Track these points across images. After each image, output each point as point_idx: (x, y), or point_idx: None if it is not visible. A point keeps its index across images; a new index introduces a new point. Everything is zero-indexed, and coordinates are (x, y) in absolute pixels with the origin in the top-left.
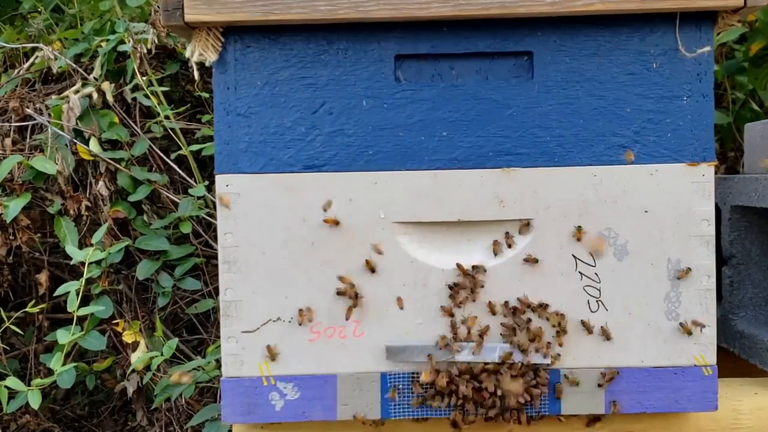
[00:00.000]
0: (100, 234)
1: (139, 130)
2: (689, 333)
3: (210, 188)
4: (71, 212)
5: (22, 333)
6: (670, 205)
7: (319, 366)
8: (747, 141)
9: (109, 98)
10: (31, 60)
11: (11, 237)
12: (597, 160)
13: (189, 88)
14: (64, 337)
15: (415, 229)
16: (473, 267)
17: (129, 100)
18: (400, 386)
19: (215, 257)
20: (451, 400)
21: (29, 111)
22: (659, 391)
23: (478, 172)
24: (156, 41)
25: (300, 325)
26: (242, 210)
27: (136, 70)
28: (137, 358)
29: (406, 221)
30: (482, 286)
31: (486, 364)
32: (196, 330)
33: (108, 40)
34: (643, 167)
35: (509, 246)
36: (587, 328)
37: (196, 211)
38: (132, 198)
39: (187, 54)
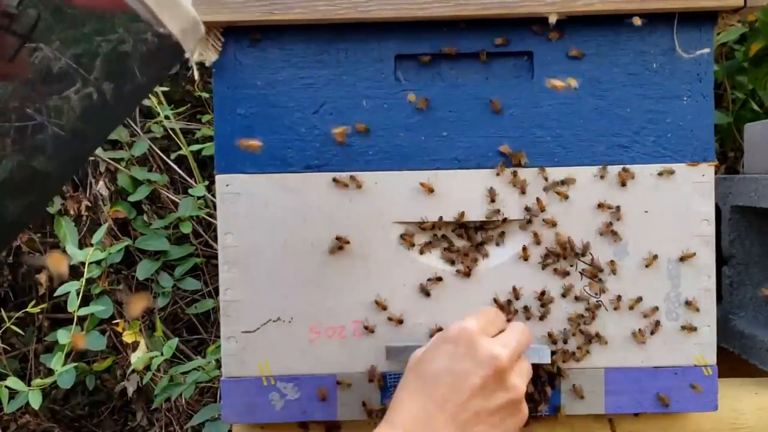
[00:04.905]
0: (100, 234)
1: (139, 130)
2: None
3: (210, 188)
4: (71, 212)
5: (22, 333)
6: (670, 205)
7: (319, 366)
8: (747, 141)
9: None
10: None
11: None
12: (597, 160)
13: (189, 88)
14: (64, 337)
15: (415, 229)
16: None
17: None
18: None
19: (215, 257)
20: None
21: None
22: (659, 391)
23: (478, 172)
24: None
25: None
26: (242, 210)
27: None
28: (137, 358)
29: (406, 221)
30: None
31: None
32: (196, 330)
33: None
34: (643, 167)
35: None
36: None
37: (196, 211)
38: (132, 198)
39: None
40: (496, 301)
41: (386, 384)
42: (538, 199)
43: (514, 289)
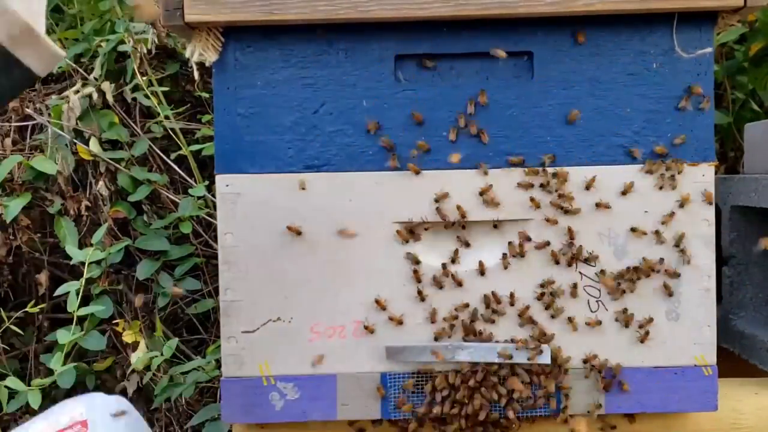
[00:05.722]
0: (100, 234)
1: (139, 130)
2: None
3: (210, 188)
4: (71, 212)
5: (22, 333)
6: (670, 205)
7: (319, 366)
8: (747, 141)
9: (109, 98)
10: None
11: (11, 237)
12: (597, 160)
13: (189, 88)
14: (64, 337)
15: (415, 229)
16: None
17: (129, 100)
18: (400, 386)
19: (215, 257)
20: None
21: (29, 111)
22: (659, 391)
23: (479, 172)
24: (156, 41)
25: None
26: (242, 210)
27: (136, 70)
28: (137, 358)
29: (406, 221)
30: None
31: (487, 364)
32: (196, 330)
33: (108, 40)
34: (643, 167)
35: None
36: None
37: (196, 211)
38: (132, 198)
39: (187, 54)
40: (487, 297)
41: (386, 385)
42: (531, 199)
43: (512, 294)
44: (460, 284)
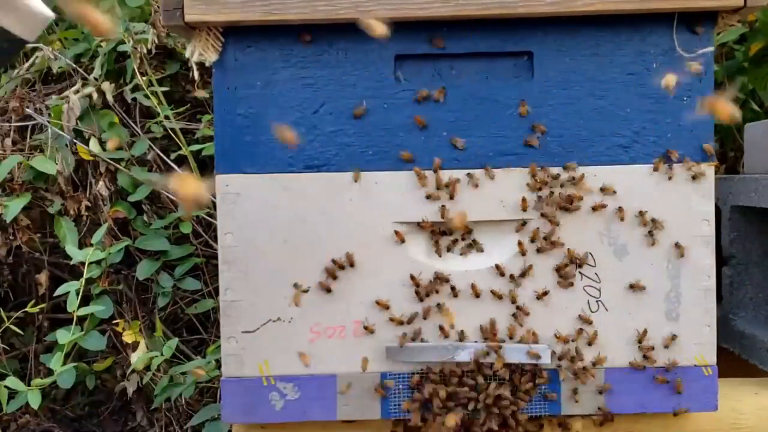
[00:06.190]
0: (100, 234)
1: (139, 130)
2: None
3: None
4: (71, 212)
5: (22, 333)
6: (670, 205)
7: (319, 366)
8: (747, 141)
9: (109, 98)
10: (31, 60)
11: (11, 237)
12: (597, 160)
13: (189, 88)
14: (64, 337)
15: (415, 229)
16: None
17: (129, 100)
18: (400, 386)
19: (215, 257)
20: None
21: (29, 111)
22: (659, 391)
23: (479, 172)
24: (156, 41)
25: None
26: (242, 210)
27: (136, 70)
28: (137, 358)
29: (405, 221)
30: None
31: (489, 365)
32: (196, 330)
33: (108, 40)
34: (643, 167)
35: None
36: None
37: (196, 211)
38: (132, 198)
39: (187, 54)
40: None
41: (385, 385)
42: (524, 198)
43: (512, 293)
44: (473, 289)
